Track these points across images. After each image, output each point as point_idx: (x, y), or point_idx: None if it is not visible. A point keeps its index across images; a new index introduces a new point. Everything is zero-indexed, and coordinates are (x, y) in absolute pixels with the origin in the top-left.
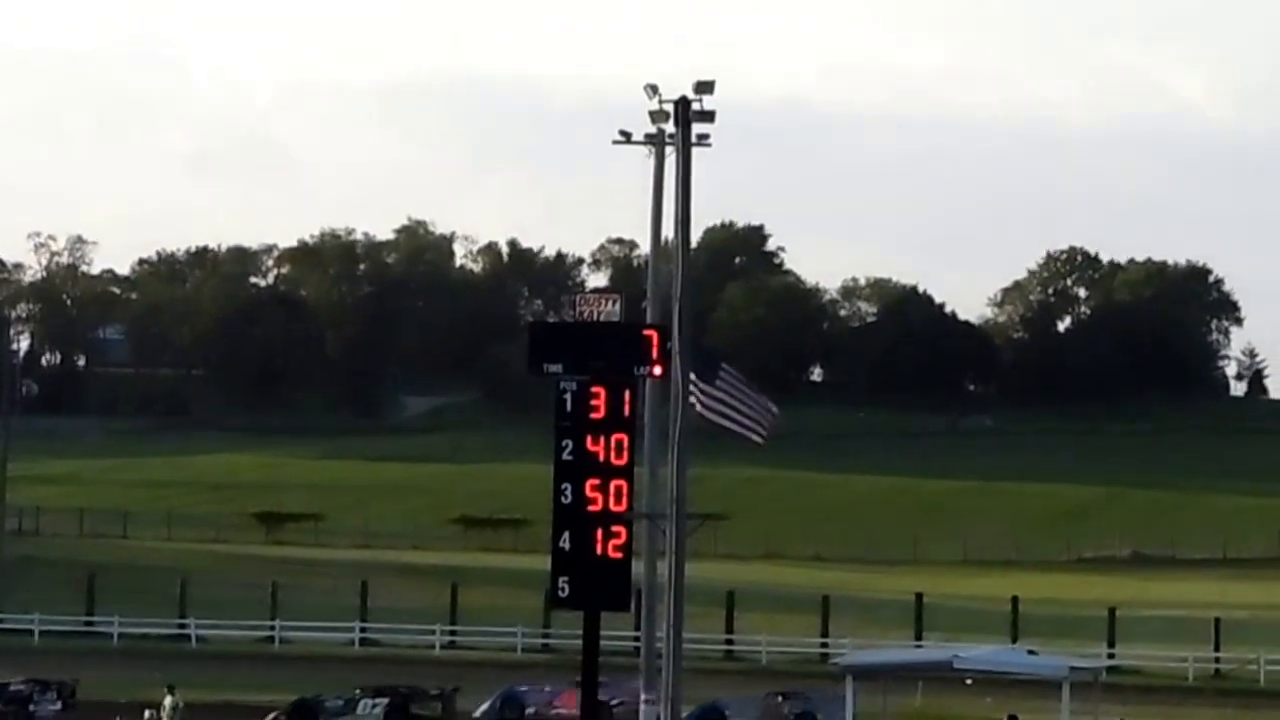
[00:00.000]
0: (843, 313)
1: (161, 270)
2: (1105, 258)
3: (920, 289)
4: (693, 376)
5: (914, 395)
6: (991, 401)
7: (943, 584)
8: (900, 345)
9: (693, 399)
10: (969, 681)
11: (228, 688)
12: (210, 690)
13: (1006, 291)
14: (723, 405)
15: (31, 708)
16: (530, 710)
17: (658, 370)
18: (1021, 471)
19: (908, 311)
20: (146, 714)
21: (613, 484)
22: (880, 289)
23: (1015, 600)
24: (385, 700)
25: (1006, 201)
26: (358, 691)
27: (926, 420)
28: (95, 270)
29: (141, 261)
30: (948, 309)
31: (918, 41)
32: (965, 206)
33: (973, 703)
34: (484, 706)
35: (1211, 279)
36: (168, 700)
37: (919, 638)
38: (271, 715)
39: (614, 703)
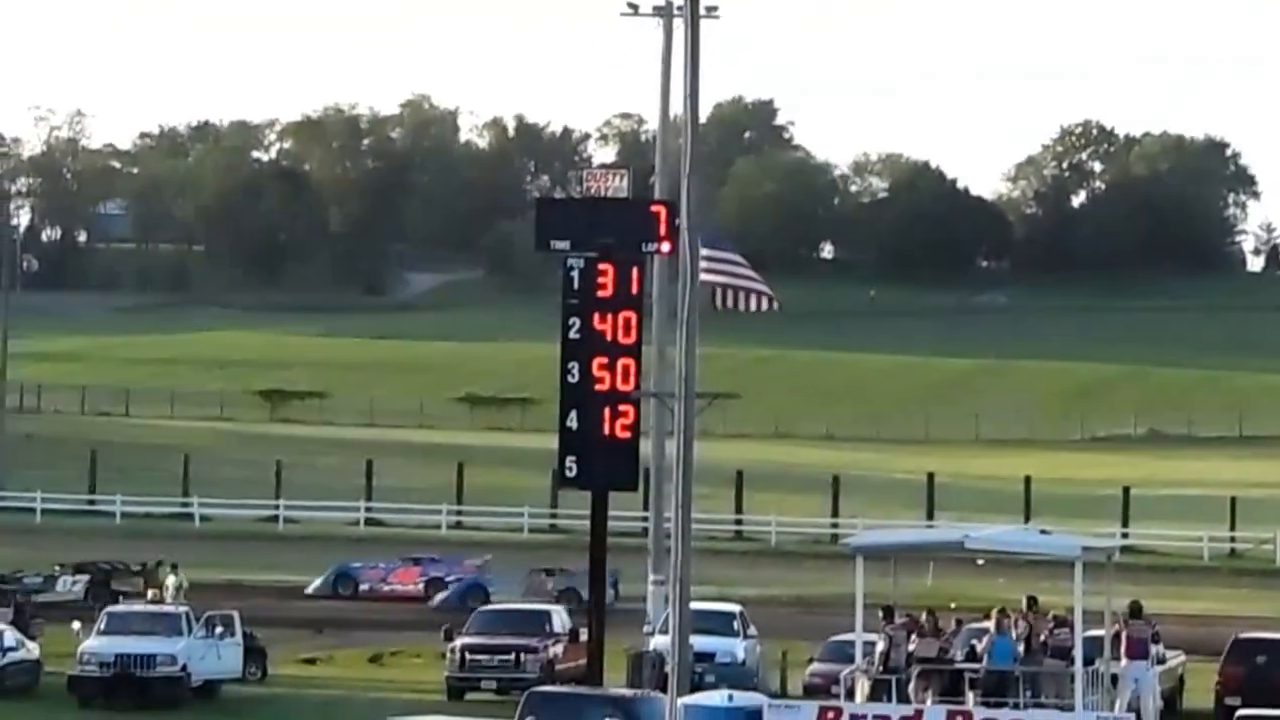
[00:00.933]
0: (853, 189)
1: (163, 144)
2: (1121, 131)
3: (932, 164)
4: (702, 250)
5: (926, 272)
6: (1005, 278)
7: (955, 463)
8: (912, 222)
9: (706, 275)
10: (980, 562)
11: (232, 568)
12: (214, 570)
13: (1020, 166)
14: (734, 272)
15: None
16: (364, 587)
17: (666, 247)
18: (1035, 349)
19: (919, 187)
20: (150, 593)
21: (620, 363)
22: (892, 164)
23: (1028, 480)
24: (86, 577)
25: (1020, 74)
26: (57, 568)
27: (939, 298)
28: (96, 144)
29: (142, 135)
30: (960, 184)
31: None
32: (978, 80)
33: (985, 583)
34: (316, 582)
35: (1229, 153)
36: (170, 580)
37: (930, 518)
38: None
39: (449, 578)
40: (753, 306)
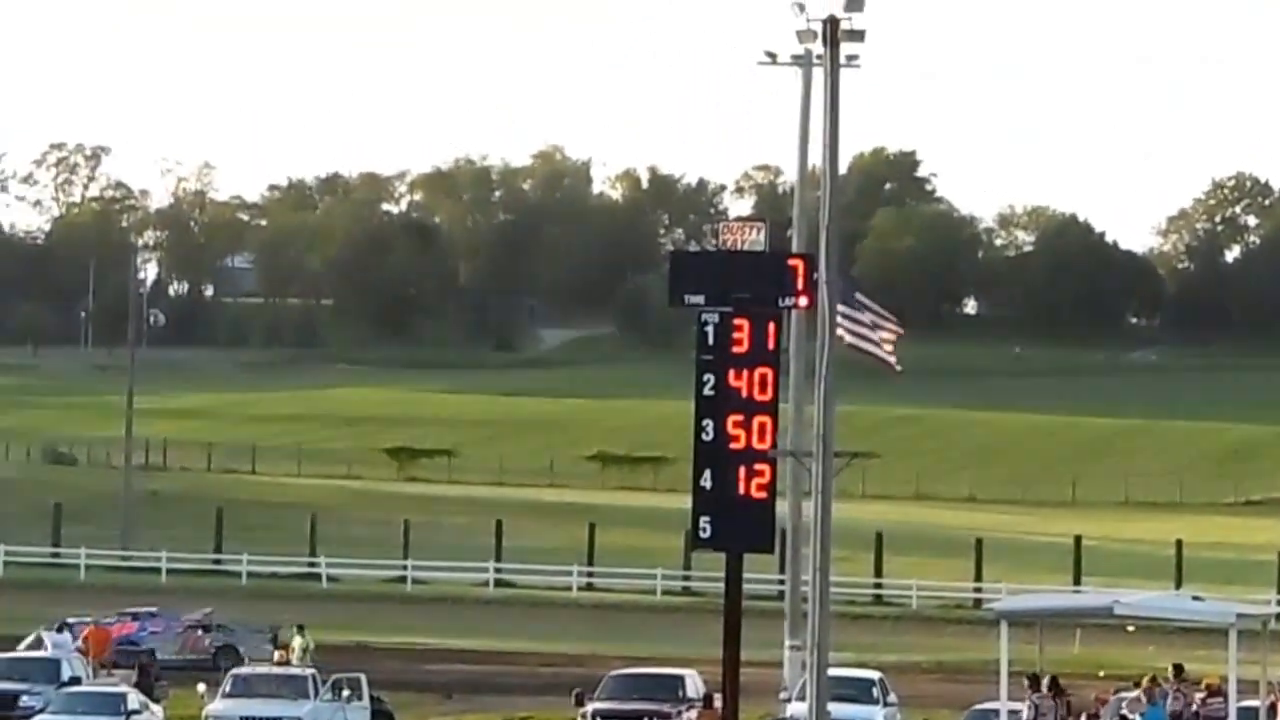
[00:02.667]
0: (998, 242)
1: (291, 196)
2: (1276, 184)
3: (1080, 217)
4: (841, 307)
5: (1073, 329)
6: (1155, 335)
7: (1103, 526)
8: (1059, 276)
9: (841, 330)
10: (1130, 628)
11: (359, 629)
12: (341, 631)
13: (1171, 220)
14: (864, 330)
15: None
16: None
17: (804, 301)
18: (1186, 409)
19: (1067, 241)
20: (275, 654)
21: (756, 420)
22: (1038, 217)
23: (1179, 544)
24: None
25: (1171, 125)
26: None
27: (1086, 355)
28: (223, 197)
29: (271, 187)
30: (1109, 238)
31: None
32: (1127, 131)
33: (1134, 651)
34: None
35: None
36: (297, 641)
37: (1077, 582)
38: None
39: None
40: (885, 355)
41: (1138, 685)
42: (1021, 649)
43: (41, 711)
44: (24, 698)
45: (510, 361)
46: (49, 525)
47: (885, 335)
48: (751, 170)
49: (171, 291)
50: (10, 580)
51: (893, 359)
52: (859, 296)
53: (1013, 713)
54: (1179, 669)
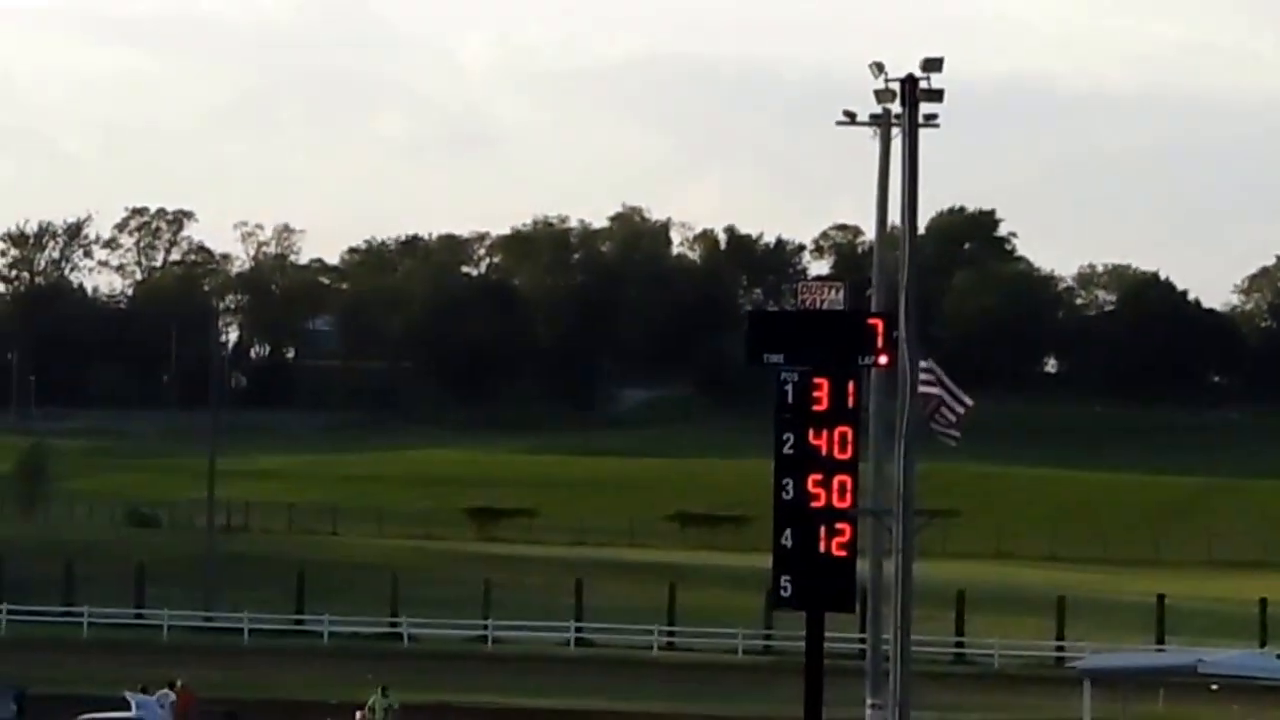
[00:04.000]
0: (1079, 301)
1: (371, 259)
2: None
3: (1161, 276)
4: (925, 364)
5: (1155, 388)
6: (1236, 394)
7: (1186, 585)
8: (1140, 335)
9: (924, 388)
10: (1214, 687)
11: (440, 689)
12: (423, 691)
13: (1253, 278)
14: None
15: None
16: None
17: (883, 360)
18: (1270, 468)
19: (1148, 300)
20: (358, 715)
21: (836, 479)
22: (1118, 276)
23: (1264, 602)
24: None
25: (1252, 184)
26: None
27: (1167, 414)
28: (303, 260)
29: (350, 250)
30: (1190, 297)
31: (1158, 18)
32: (1208, 189)
33: (1219, 710)
34: None
35: None
36: (380, 701)
37: (1161, 641)
38: None
39: None
40: (944, 429)
41: None
42: (1105, 708)
43: None
44: None
45: (589, 422)
46: (132, 586)
47: (952, 407)
48: (830, 230)
49: (253, 354)
50: (94, 640)
51: (953, 430)
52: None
53: None
54: None
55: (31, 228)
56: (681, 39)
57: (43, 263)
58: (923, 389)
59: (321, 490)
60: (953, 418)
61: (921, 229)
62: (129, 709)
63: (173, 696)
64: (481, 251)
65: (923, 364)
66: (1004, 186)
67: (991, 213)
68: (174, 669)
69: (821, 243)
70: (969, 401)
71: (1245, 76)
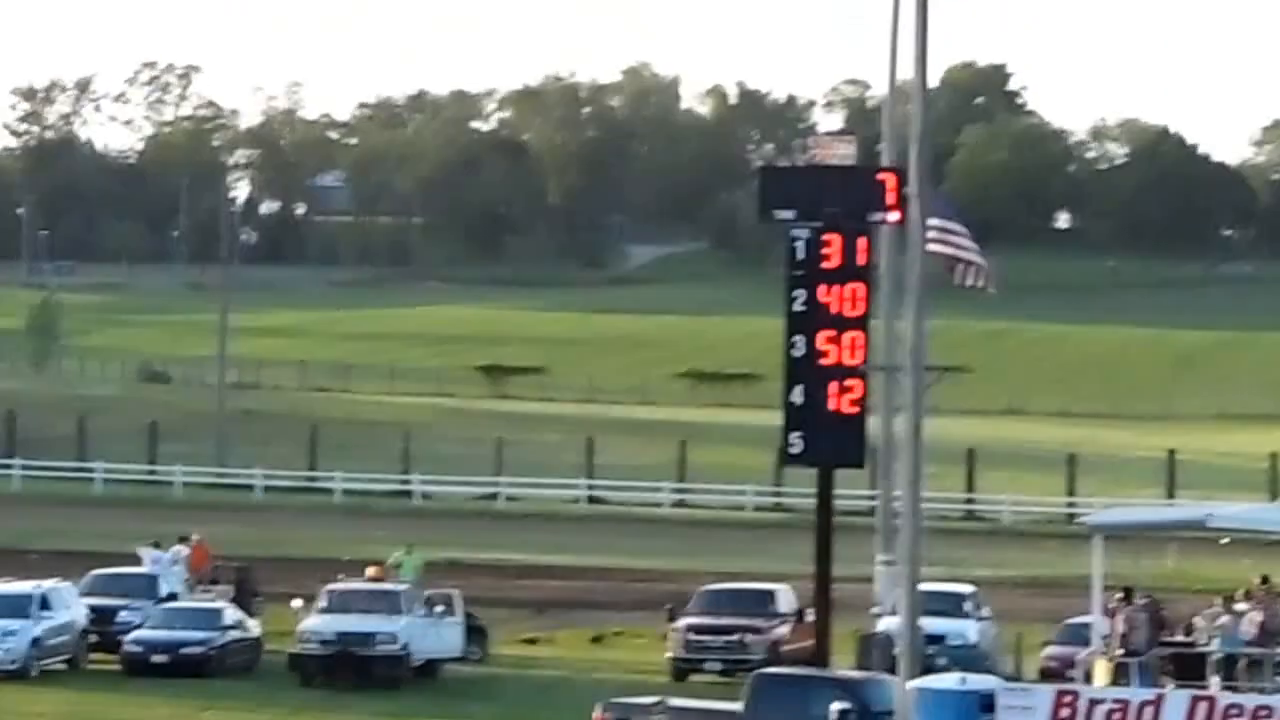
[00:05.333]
0: (1090, 156)
1: (380, 115)
2: None
3: (1173, 130)
4: (933, 220)
5: (1167, 242)
6: (1249, 247)
7: (1197, 440)
8: (1152, 189)
9: (935, 245)
10: (1224, 541)
11: (452, 546)
12: (434, 548)
13: (1266, 130)
14: (960, 244)
15: None
16: None
17: (895, 216)
18: None
19: (1160, 154)
20: (369, 571)
21: (847, 336)
22: (1130, 130)
23: (1274, 456)
24: None
25: (1265, 35)
26: None
27: (1180, 268)
28: (313, 115)
29: (360, 105)
30: (1202, 150)
31: None
32: (1221, 41)
33: (1229, 564)
34: None
35: None
36: (407, 560)
37: (1171, 496)
38: None
39: None
40: (969, 281)
41: (1229, 600)
42: (1115, 563)
43: (139, 627)
44: (122, 613)
45: (600, 279)
46: (145, 443)
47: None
48: (841, 85)
49: (263, 210)
50: (108, 497)
51: (985, 273)
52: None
53: (1105, 627)
54: (1264, 579)
55: (41, 81)
56: None
57: (52, 117)
58: (934, 247)
59: (333, 347)
60: (980, 279)
61: (933, 84)
62: (141, 564)
63: (186, 551)
64: (491, 107)
65: (935, 222)
66: (1015, 41)
67: (1003, 67)
68: (186, 525)
69: (832, 98)
70: (982, 263)
71: None
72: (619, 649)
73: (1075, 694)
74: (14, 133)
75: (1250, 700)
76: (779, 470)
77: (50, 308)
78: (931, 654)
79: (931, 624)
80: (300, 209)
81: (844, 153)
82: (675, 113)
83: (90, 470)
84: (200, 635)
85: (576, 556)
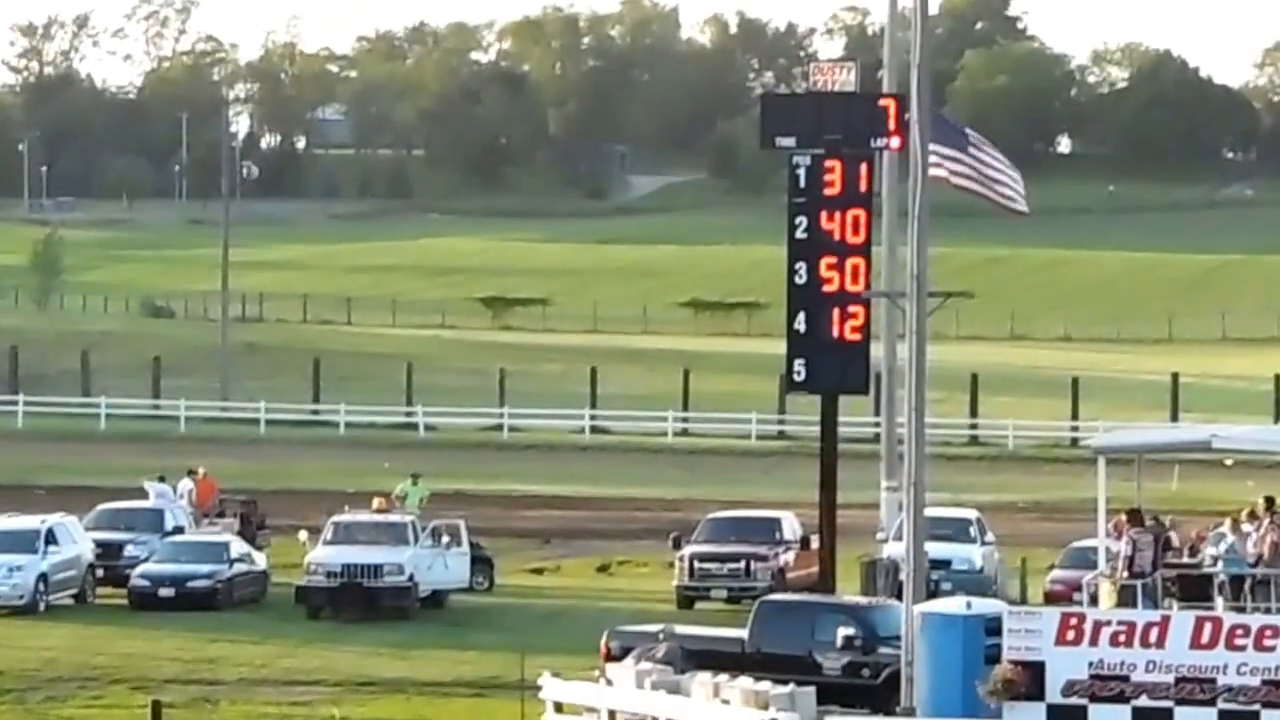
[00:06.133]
0: (1091, 80)
1: (380, 47)
2: None
3: (1174, 53)
4: (936, 147)
5: (1168, 166)
6: (1251, 170)
7: (1200, 363)
8: (1154, 113)
9: (941, 171)
10: (1228, 463)
11: (457, 477)
12: (439, 479)
13: (1268, 52)
14: (978, 172)
15: None
16: None
17: (896, 142)
18: None
19: (1161, 77)
20: (376, 502)
21: (849, 262)
22: (1131, 54)
23: (1278, 378)
24: None
25: None
26: None
27: (1182, 192)
28: (312, 49)
29: (359, 38)
30: (1204, 73)
31: None
32: None
33: (1233, 486)
34: None
35: None
36: (412, 490)
37: (1175, 419)
38: None
39: None
40: (998, 198)
41: (1235, 521)
42: (1119, 486)
43: (146, 561)
44: (129, 547)
45: (602, 209)
46: (149, 378)
47: (1009, 179)
48: (840, 11)
49: (263, 144)
50: (112, 432)
51: (1016, 198)
52: (971, 134)
53: (1110, 550)
54: (1270, 501)
55: (40, 18)
56: None
57: (51, 53)
58: (937, 173)
59: (335, 280)
60: (1007, 193)
61: (933, 9)
62: (147, 499)
63: (190, 485)
64: (491, 38)
65: (940, 149)
66: None
67: None
68: (191, 459)
69: (832, 24)
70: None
71: None
72: (624, 578)
73: (1081, 616)
74: (13, 69)
75: (1256, 620)
76: (783, 398)
77: (53, 244)
78: (937, 579)
79: (936, 549)
80: (300, 142)
81: (844, 79)
82: (675, 42)
83: (94, 406)
84: (207, 569)
85: (581, 486)
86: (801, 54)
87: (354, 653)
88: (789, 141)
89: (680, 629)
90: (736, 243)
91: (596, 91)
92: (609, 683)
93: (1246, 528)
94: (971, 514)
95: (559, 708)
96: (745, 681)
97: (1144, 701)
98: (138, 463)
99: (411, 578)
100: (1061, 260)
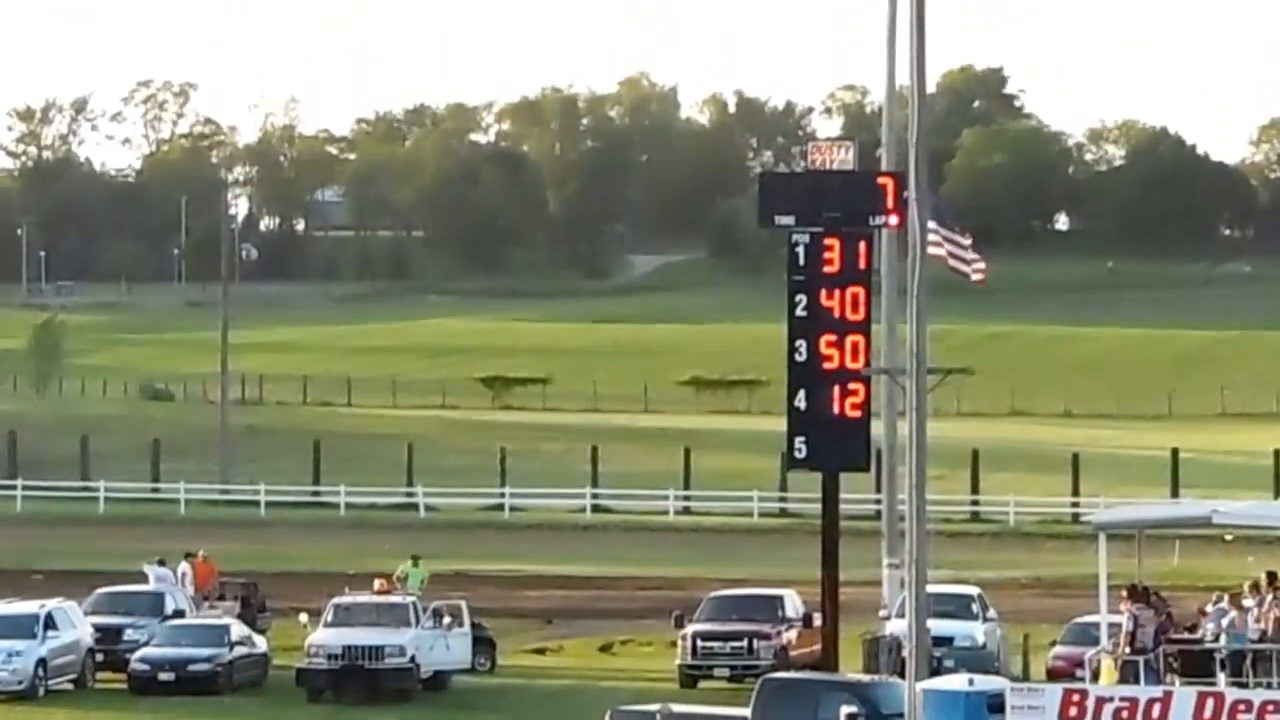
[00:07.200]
0: (1089, 157)
1: (379, 129)
2: None
3: (1171, 130)
4: (934, 225)
5: (1166, 242)
6: (1248, 246)
7: (1199, 438)
8: (1151, 190)
9: (939, 250)
10: (1229, 538)
11: (458, 558)
12: (441, 560)
13: (1264, 129)
14: (958, 247)
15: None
16: None
17: (894, 220)
18: None
19: (1158, 154)
20: (377, 584)
21: (849, 339)
22: (1128, 131)
23: (1277, 454)
24: None
25: (1263, 35)
26: None
27: (1180, 268)
28: (311, 131)
29: (359, 120)
30: (1200, 150)
31: None
32: (1217, 41)
33: (1234, 562)
34: None
35: None
36: (412, 571)
37: (1175, 495)
38: None
39: None
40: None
41: (1236, 597)
42: (1120, 562)
43: (146, 645)
44: (128, 631)
45: (602, 289)
46: (148, 461)
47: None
48: (839, 90)
49: (263, 226)
50: (111, 516)
51: (977, 273)
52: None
53: (1112, 625)
54: (1272, 576)
55: (38, 102)
56: None
57: (50, 137)
58: (934, 250)
59: (335, 361)
60: (968, 269)
61: (930, 88)
62: (147, 582)
63: (187, 568)
64: (490, 119)
65: (932, 225)
66: (1012, 44)
67: (1000, 70)
68: (192, 542)
69: (830, 103)
70: (978, 267)
71: None
72: (627, 657)
73: (1084, 693)
74: (12, 154)
75: (1258, 696)
76: (784, 475)
77: (53, 328)
78: (939, 656)
79: (939, 626)
80: (300, 224)
81: (843, 158)
82: (674, 121)
83: (93, 489)
84: (207, 652)
85: (583, 566)
86: (800, 132)
87: None
88: (788, 220)
89: (679, 708)
90: (737, 320)
91: (596, 171)
92: None
93: (1248, 603)
94: (973, 590)
95: None
96: None
97: None
98: (137, 546)
99: (413, 659)
100: (1061, 336)
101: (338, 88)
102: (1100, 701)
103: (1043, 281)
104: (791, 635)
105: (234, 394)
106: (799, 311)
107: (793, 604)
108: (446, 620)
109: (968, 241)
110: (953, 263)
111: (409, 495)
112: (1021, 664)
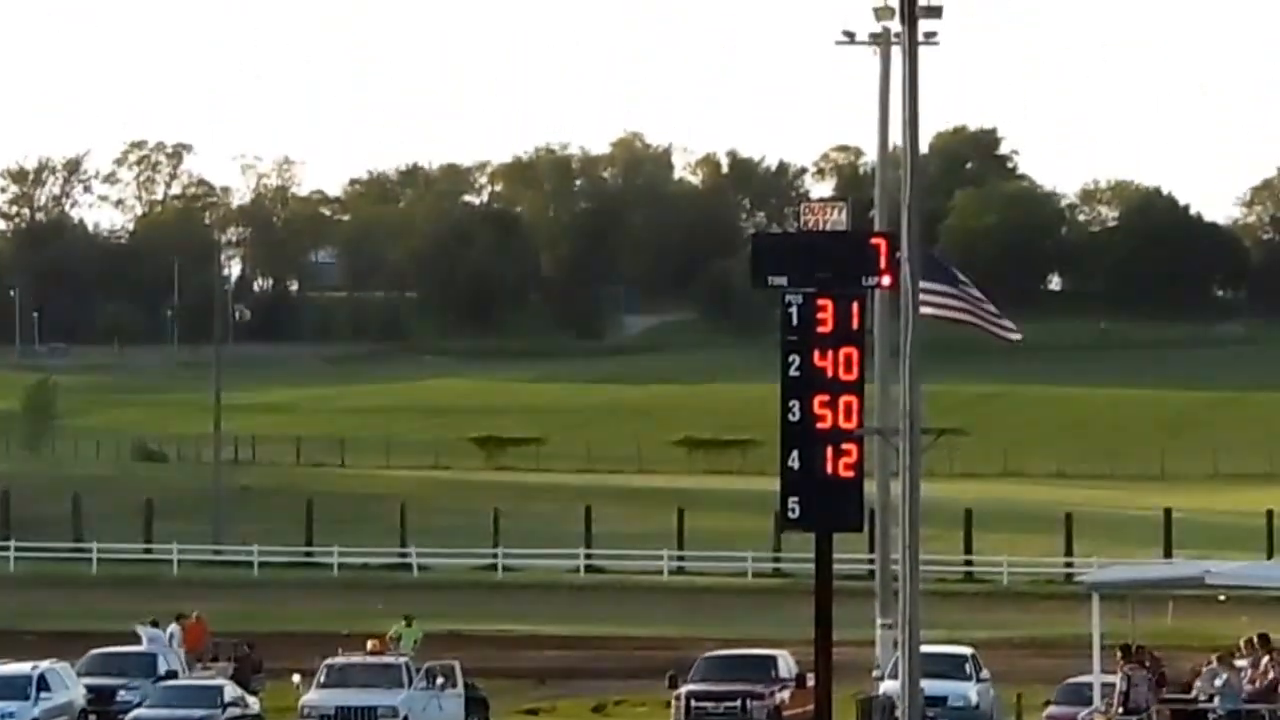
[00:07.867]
0: (1081, 218)
1: (372, 190)
2: None
3: (1163, 191)
4: (926, 284)
5: (1158, 303)
6: (1241, 307)
7: (1192, 499)
8: (1144, 251)
9: (929, 309)
10: (1222, 598)
11: (451, 618)
12: (434, 620)
13: (1255, 190)
14: (969, 302)
15: None
16: None
17: (887, 280)
18: (1275, 380)
19: (1151, 215)
20: (370, 644)
21: (842, 400)
22: (1121, 191)
23: (1270, 515)
24: None
25: (1255, 96)
26: None
27: (1172, 329)
28: (304, 192)
29: (352, 181)
30: (1193, 211)
31: None
32: (1210, 102)
33: (1227, 622)
34: None
35: None
36: (406, 631)
37: (1168, 555)
38: None
39: None
40: (991, 326)
41: (1229, 656)
42: (1114, 622)
43: (138, 706)
44: (121, 693)
45: (595, 349)
46: (141, 522)
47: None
48: (831, 152)
49: (256, 287)
50: (104, 576)
51: (1007, 333)
52: (959, 277)
53: (1106, 685)
54: (1265, 638)
55: (31, 163)
56: None
57: (43, 198)
58: (929, 310)
59: (328, 422)
60: (1000, 330)
61: (923, 149)
62: (139, 643)
63: (176, 629)
64: (483, 180)
65: (930, 285)
66: (1005, 105)
67: (993, 131)
68: (184, 603)
69: (823, 164)
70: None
71: None
72: (621, 718)
73: None
74: (5, 215)
75: None
76: (777, 535)
77: (46, 389)
78: (932, 716)
79: (932, 686)
80: (293, 285)
81: (835, 219)
82: (667, 182)
83: (86, 550)
84: (200, 713)
85: (576, 626)
86: (793, 193)
87: None
88: (781, 280)
89: None
90: (730, 381)
91: (589, 232)
92: None
93: (1240, 663)
94: (966, 650)
95: None
96: None
97: None
98: (130, 607)
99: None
100: (1054, 397)
101: (331, 148)
102: None
103: (1036, 342)
104: (785, 695)
105: (227, 455)
106: (792, 372)
107: (786, 664)
108: (440, 681)
109: (990, 306)
110: (985, 324)
111: (402, 555)
112: None
